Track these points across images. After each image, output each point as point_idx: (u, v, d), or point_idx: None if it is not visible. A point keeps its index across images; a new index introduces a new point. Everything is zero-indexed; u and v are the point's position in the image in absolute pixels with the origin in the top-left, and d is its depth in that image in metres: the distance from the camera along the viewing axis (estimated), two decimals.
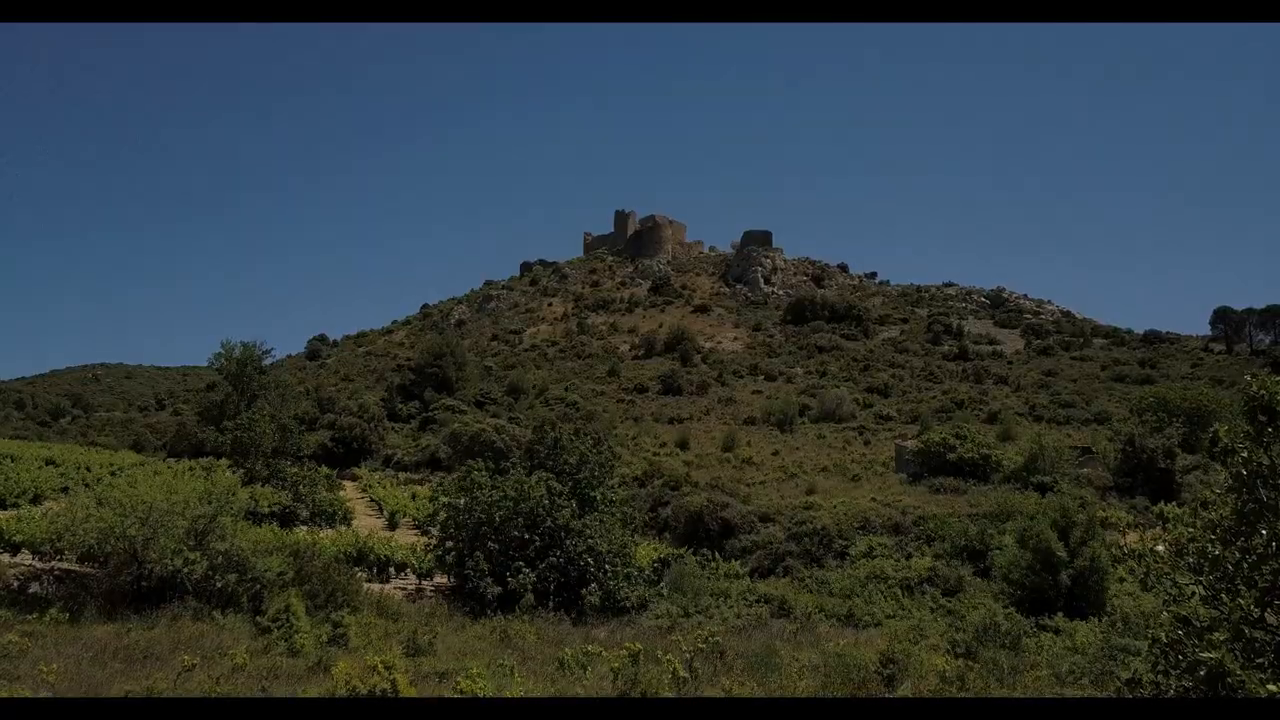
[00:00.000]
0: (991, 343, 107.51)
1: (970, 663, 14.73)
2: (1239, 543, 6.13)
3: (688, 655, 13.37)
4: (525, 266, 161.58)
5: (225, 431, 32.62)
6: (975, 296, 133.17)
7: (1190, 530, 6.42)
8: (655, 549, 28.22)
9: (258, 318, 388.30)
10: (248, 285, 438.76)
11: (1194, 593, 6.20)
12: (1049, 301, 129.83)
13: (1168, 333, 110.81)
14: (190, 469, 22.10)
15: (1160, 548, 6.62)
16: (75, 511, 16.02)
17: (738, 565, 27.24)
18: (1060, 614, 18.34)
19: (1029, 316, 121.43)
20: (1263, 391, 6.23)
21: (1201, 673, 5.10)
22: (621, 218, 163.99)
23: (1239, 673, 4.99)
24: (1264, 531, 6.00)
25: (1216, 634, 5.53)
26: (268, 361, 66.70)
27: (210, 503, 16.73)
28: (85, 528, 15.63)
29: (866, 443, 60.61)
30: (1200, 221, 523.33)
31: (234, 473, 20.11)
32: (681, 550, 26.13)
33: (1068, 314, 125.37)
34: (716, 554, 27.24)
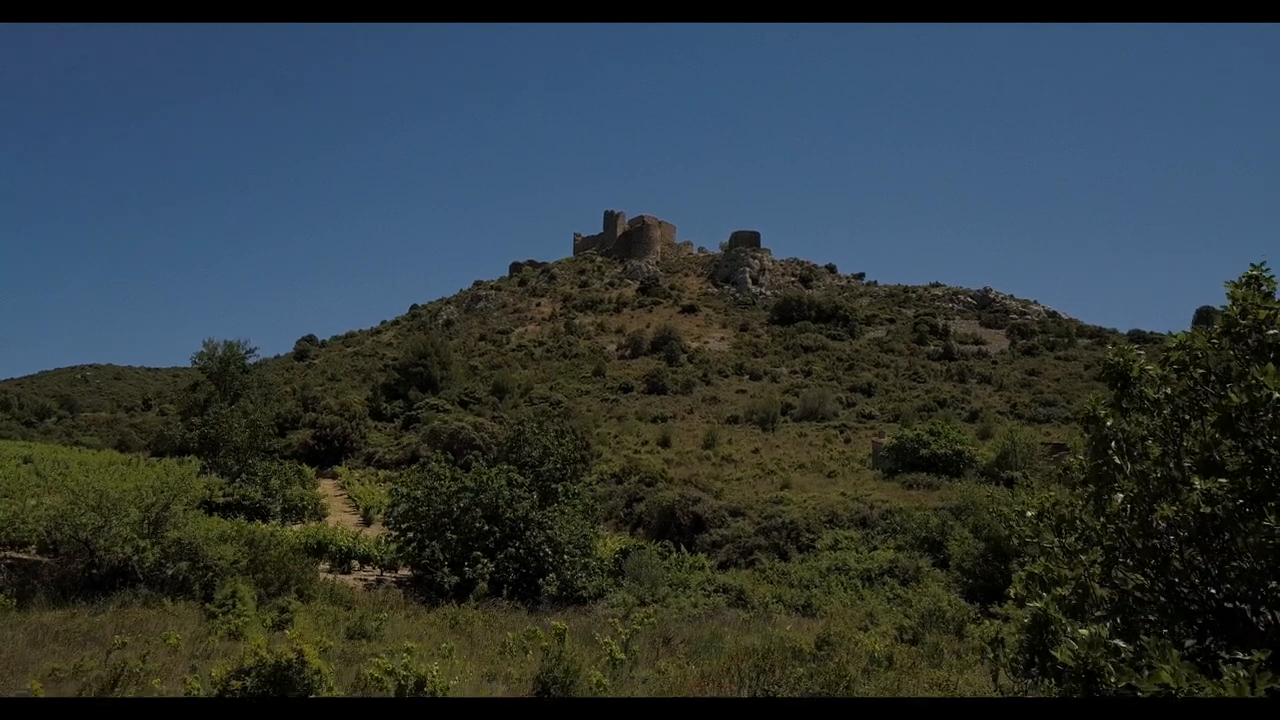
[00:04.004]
0: (977, 342, 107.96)
1: (911, 647, 14.95)
2: (1096, 505, 6.35)
3: (625, 637, 13.55)
4: (515, 267, 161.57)
5: (194, 428, 32.65)
6: (962, 297, 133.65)
7: (1053, 495, 6.62)
8: (622, 542, 28.37)
9: (250, 319, 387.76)
10: (242, 286, 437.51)
11: (1053, 552, 6.41)
12: (1035, 302, 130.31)
13: (1151, 332, 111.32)
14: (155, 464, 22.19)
15: (1030, 513, 6.83)
16: (25, 499, 16.10)
17: (704, 558, 27.43)
18: (1010, 601, 18.55)
19: (1015, 317, 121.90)
20: (1118, 359, 6.43)
21: (1027, 620, 5.31)
22: (611, 218, 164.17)
23: (1063, 620, 5.19)
24: (1119, 496, 6.20)
25: (1059, 589, 5.73)
26: (252, 360, 66.77)
27: (163, 492, 16.83)
28: (35, 515, 15.72)
29: (847, 441, 60.83)
30: (1184, 222, 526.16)
31: (205, 469, 20.22)
32: (645, 543, 26.29)
33: (1053, 314, 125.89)
34: (682, 547, 27.41)
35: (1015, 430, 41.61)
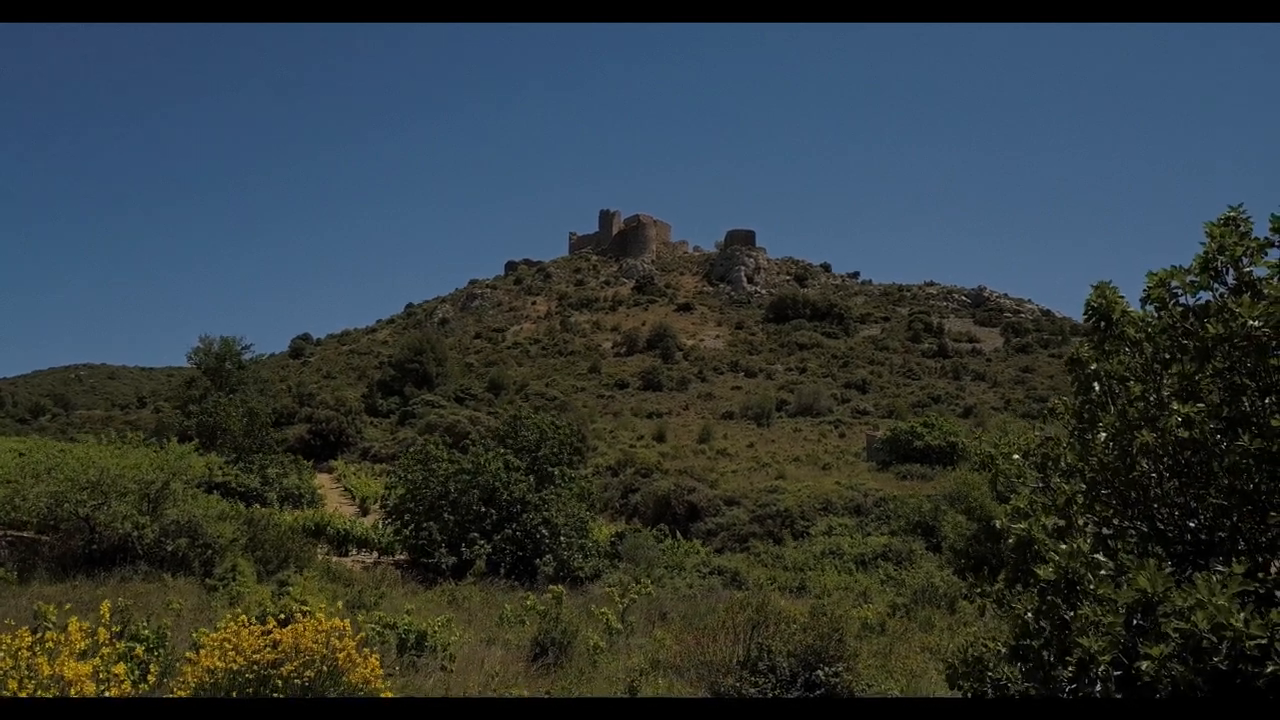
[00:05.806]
0: (971, 340, 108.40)
1: (904, 620, 15.16)
2: (1080, 445, 6.55)
3: (622, 607, 13.74)
4: (510, 266, 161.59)
5: (191, 416, 32.73)
6: (956, 295, 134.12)
7: (1036, 436, 6.82)
8: (618, 530, 28.55)
9: (246, 318, 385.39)
10: (237, 286, 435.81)
11: (1037, 488, 6.61)
12: (1029, 300, 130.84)
13: None
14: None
15: (1016, 456, 7.03)
16: (25, 479, 16.21)
17: (699, 544, 27.62)
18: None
19: (1009, 315, 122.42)
20: (1100, 300, 6.61)
21: (1010, 541, 5.51)
22: (606, 217, 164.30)
23: (1046, 540, 5.39)
24: (1103, 435, 6.39)
25: (1044, 517, 5.93)
26: (247, 357, 66.79)
27: (162, 470, 16.96)
28: (35, 493, 15.82)
29: (842, 435, 61.14)
30: (1182, 222, 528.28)
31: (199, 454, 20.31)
32: (641, 528, 26.47)
33: (1047, 313, 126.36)
34: (677, 533, 27.59)
35: (1008, 422, 41.88)
